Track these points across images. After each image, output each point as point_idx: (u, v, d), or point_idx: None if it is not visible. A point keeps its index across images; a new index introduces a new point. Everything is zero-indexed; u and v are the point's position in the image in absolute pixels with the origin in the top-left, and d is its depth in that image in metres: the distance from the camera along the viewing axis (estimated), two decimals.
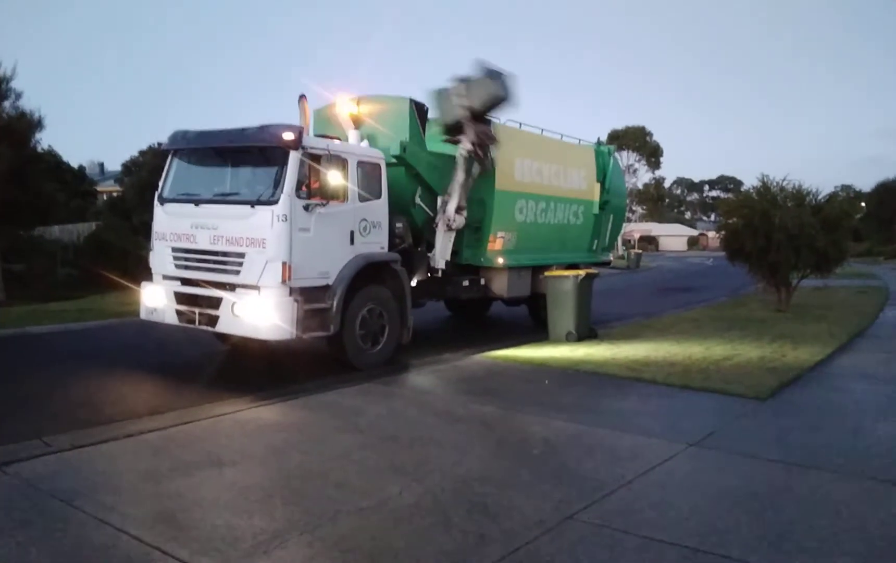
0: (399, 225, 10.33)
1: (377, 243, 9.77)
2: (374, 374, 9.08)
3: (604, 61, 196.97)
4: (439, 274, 11.31)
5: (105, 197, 41.21)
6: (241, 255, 8.69)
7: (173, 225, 9.43)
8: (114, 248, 20.19)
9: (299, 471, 5.52)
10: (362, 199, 9.52)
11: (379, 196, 9.81)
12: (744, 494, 5.28)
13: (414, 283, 10.74)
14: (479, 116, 10.86)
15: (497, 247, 12.22)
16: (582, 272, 12.77)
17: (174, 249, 9.39)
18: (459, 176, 10.92)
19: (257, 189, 8.89)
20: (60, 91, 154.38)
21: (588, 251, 15.02)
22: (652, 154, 70.72)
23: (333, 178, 9.00)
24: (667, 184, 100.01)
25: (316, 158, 8.85)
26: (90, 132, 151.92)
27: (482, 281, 12.43)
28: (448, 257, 11.32)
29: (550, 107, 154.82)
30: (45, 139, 22.60)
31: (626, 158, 67.47)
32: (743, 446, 6.41)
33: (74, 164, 35.81)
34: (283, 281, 8.44)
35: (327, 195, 8.92)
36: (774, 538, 4.46)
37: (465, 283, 12.11)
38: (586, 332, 12.27)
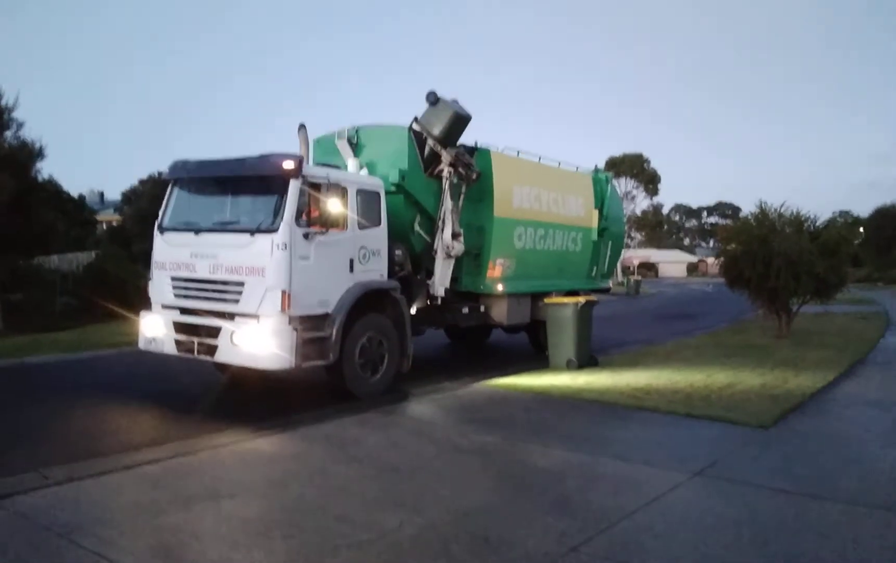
0: (398, 252, 10.29)
1: (377, 271, 9.73)
2: (374, 403, 9.02)
3: (602, 89, 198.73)
4: (439, 302, 11.28)
5: (105, 226, 41.29)
6: (241, 283, 8.65)
7: (173, 254, 9.41)
8: (113, 277, 20.16)
9: (298, 503, 5.46)
10: (361, 227, 9.50)
11: (378, 224, 9.79)
12: (748, 524, 5.22)
13: (413, 310, 10.70)
14: (446, 141, 10.98)
15: (496, 274, 12.21)
16: (582, 299, 12.76)
17: (173, 278, 9.36)
18: (447, 202, 10.99)
19: (257, 218, 8.88)
20: (61, 120, 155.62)
21: (587, 278, 14.99)
22: (650, 181, 70.85)
23: (333, 206, 8.99)
24: (665, 210, 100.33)
25: (316, 187, 8.85)
26: (90, 161, 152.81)
27: (482, 308, 12.38)
28: (447, 285, 11.31)
29: (547, 135, 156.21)
30: (46, 168, 22.66)
31: (624, 184, 67.52)
32: (747, 476, 6.36)
33: (74, 193, 35.86)
34: (283, 310, 8.39)
35: (327, 223, 8.89)
36: None
37: (465, 310, 12.07)
38: (587, 359, 12.23)
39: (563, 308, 11.97)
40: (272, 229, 8.50)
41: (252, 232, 8.67)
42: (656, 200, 79.27)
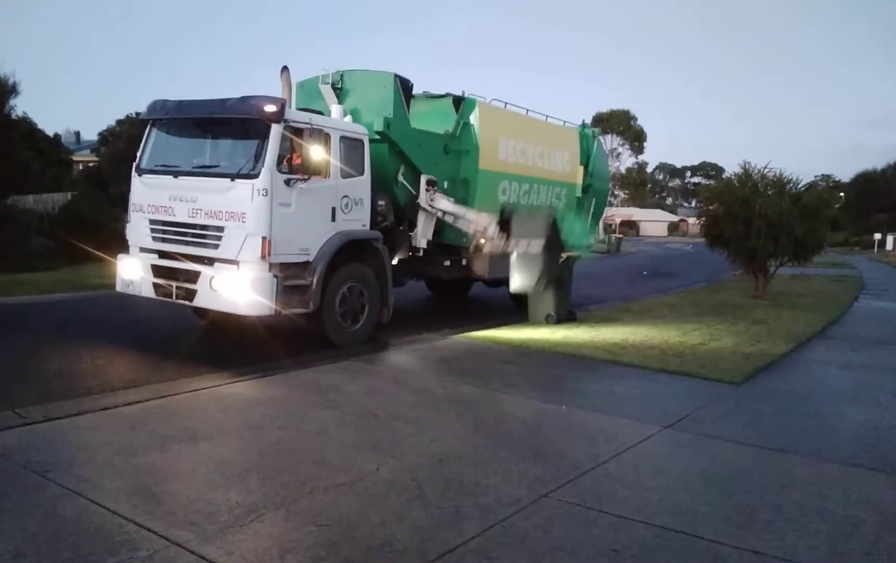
0: (381, 203, 10.20)
1: (359, 221, 9.67)
2: (353, 352, 9.06)
3: (591, 43, 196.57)
4: (421, 254, 11.26)
5: (81, 167, 40.56)
6: (220, 229, 8.56)
7: (151, 197, 9.25)
8: (89, 219, 19.89)
9: (276, 447, 5.51)
10: (345, 175, 9.39)
11: (362, 173, 9.69)
12: (716, 475, 5.38)
13: (395, 261, 10.66)
14: None
15: None
16: (564, 254, 12.84)
17: (151, 222, 9.23)
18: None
19: (238, 162, 8.75)
20: (36, 57, 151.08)
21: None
22: (636, 138, 70.85)
23: (316, 152, 8.85)
24: (649, 169, 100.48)
25: (298, 132, 8.71)
26: (66, 100, 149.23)
27: (464, 262, 12.40)
28: (430, 237, 11.27)
29: (535, 86, 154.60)
30: (20, 106, 22.05)
31: (610, 141, 67.48)
32: (716, 430, 6.51)
33: (50, 132, 35.09)
34: (263, 256, 8.34)
35: (309, 170, 8.76)
36: (744, 519, 4.54)
37: (447, 263, 12.07)
38: (566, 315, 12.34)
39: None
40: (253, 175, 8.39)
41: (232, 177, 8.54)
42: (641, 158, 79.43)
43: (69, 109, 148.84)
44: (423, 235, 11.09)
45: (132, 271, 9.37)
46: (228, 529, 4.05)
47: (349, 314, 9.57)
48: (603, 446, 5.86)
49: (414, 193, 10.91)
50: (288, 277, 8.61)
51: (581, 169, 14.68)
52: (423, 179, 10.82)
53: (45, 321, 11.13)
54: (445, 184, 11.31)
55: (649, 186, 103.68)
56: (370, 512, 4.37)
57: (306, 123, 8.87)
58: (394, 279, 10.41)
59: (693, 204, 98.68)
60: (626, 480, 5.15)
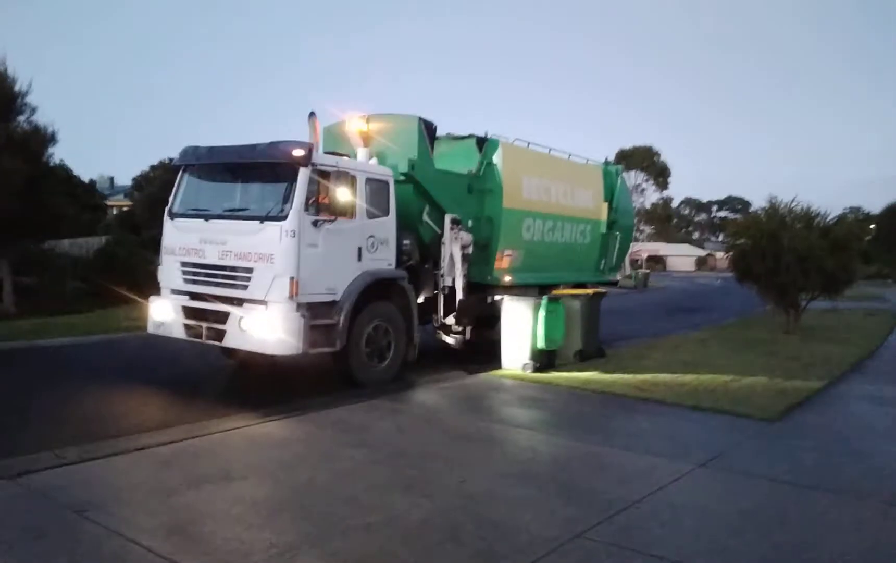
0: (406, 242, 10.33)
1: (385, 260, 9.77)
2: (382, 391, 9.09)
3: (614, 79, 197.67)
4: (446, 292, 11.21)
5: (115, 211, 41.48)
6: (250, 270, 8.71)
7: (182, 239, 9.48)
8: (123, 262, 20.28)
9: (308, 486, 5.54)
10: (370, 215, 9.52)
11: (387, 213, 9.81)
12: (752, 514, 5.28)
13: (421, 300, 10.72)
14: None
15: (504, 265, 12.15)
16: (590, 291, 12.80)
17: (183, 264, 9.43)
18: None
19: (267, 205, 8.93)
20: (73, 105, 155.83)
21: (595, 270, 14.86)
22: (660, 174, 70.73)
23: (342, 194, 9.03)
24: (675, 204, 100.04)
25: (325, 175, 8.90)
26: (101, 146, 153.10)
27: (489, 299, 12.27)
28: (456, 276, 11.15)
29: (558, 126, 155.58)
30: (58, 153, 22.75)
31: (633, 177, 67.46)
32: (751, 467, 6.41)
33: (85, 178, 36.00)
34: (291, 296, 8.45)
35: (336, 211, 8.93)
36: (782, 557, 4.45)
37: (473, 300, 11.86)
38: (594, 351, 12.26)
39: (572, 300, 11.97)
40: (281, 217, 8.57)
41: (261, 219, 8.72)
42: (666, 193, 79.14)
43: (105, 155, 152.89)
44: (448, 273, 11.08)
45: (163, 313, 9.53)
46: None
47: (375, 353, 9.63)
48: (636, 486, 5.79)
49: (439, 231, 10.98)
50: (315, 316, 8.68)
51: (605, 206, 14.66)
52: (448, 218, 10.89)
53: (81, 363, 11.33)
54: (470, 223, 11.36)
55: (675, 220, 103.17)
56: (403, 552, 4.37)
57: (333, 166, 9.04)
58: (420, 317, 10.47)
59: (720, 238, 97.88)
60: (661, 519, 5.09)
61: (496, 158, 11.82)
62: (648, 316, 23.13)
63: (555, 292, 12.40)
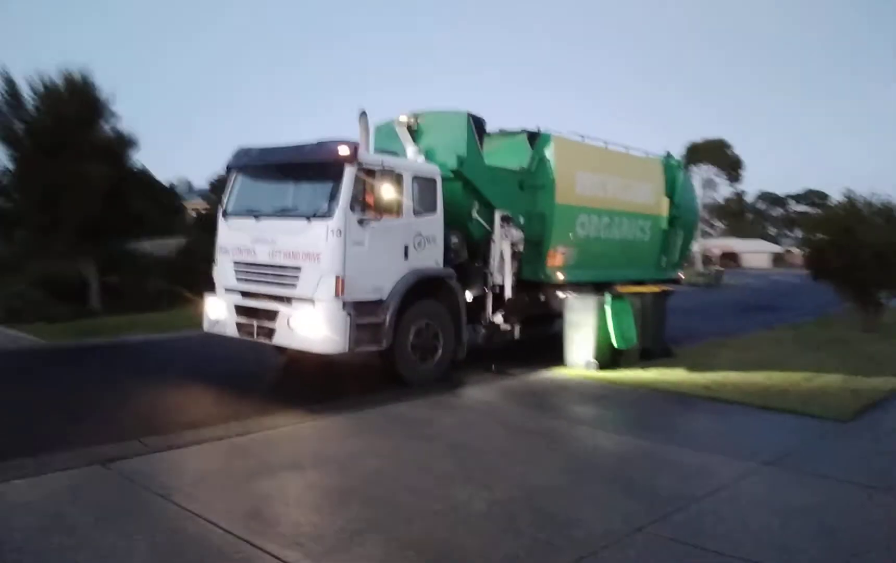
0: (455, 240, 10.30)
1: (432, 258, 9.76)
2: (442, 387, 9.23)
3: (684, 73, 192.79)
4: (498, 290, 11.03)
5: (193, 213, 43.13)
6: (298, 268, 8.84)
7: (235, 239, 9.71)
8: (200, 262, 21.15)
9: (375, 476, 5.78)
10: (417, 213, 9.55)
11: (434, 211, 9.82)
12: (817, 513, 5.22)
13: (470, 298, 10.66)
14: None
15: (557, 262, 11.87)
16: (657, 289, 12.65)
17: (235, 263, 9.65)
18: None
19: (314, 204, 9.05)
20: (152, 108, 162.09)
21: (656, 268, 14.30)
22: (732, 167, 68.57)
23: (388, 192, 9.08)
24: (750, 199, 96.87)
25: (371, 173, 8.96)
26: (178, 150, 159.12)
27: (541, 297, 12.12)
28: (507, 273, 10.97)
29: (628, 119, 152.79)
30: (139, 158, 23.85)
31: (704, 171, 65.72)
32: (820, 468, 6.29)
33: (164, 181, 37.58)
34: (337, 295, 8.53)
35: (382, 210, 9.00)
36: (843, 558, 4.40)
37: (525, 298, 11.73)
38: (661, 350, 12.13)
39: (638, 298, 11.81)
40: (327, 215, 8.66)
41: (308, 218, 8.84)
42: (739, 187, 76.69)
43: (181, 158, 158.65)
44: (498, 271, 10.93)
45: (218, 311, 9.79)
46: (333, 551, 4.33)
47: (422, 352, 9.63)
48: (698, 483, 5.79)
49: (489, 229, 10.87)
50: (361, 314, 8.73)
51: (666, 201, 14.12)
52: (498, 214, 10.79)
53: (161, 358, 11.96)
54: (521, 219, 11.20)
55: (750, 216, 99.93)
56: (465, 540, 4.54)
57: (378, 165, 9.10)
58: (470, 316, 10.44)
59: (797, 234, 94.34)
60: (723, 516, 5.09)
61: (548, 153, 11.61)
62: (720, 314, 22.59)
63: (620, 289, 12.32)
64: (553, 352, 11.33)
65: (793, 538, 4.72)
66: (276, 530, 4.60)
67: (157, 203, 30.46)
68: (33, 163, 17.33)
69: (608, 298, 10.96)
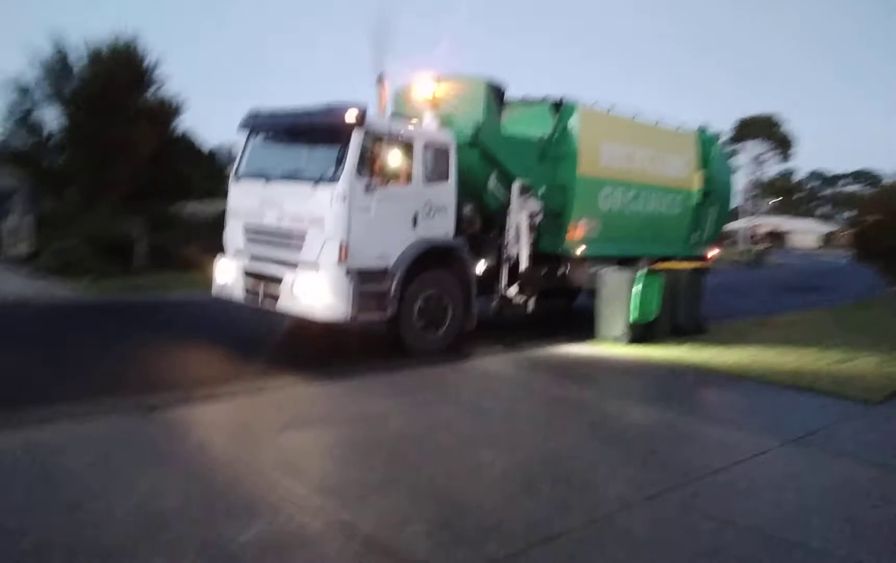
0: (467, 209, 10.06)
1: (442, 228, 9.57)
2: (464, 356, 9.33)
3: (735, 42, 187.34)
4: (513, 262, 10.67)
5: None
6: (303, 233, 8.72)
7: (245, 202, 9.62)
8: None
9: (400, 434, 6.01)
10: (428, 181, 9.34)
11: (446, 179, 9.58)
12: (835, 491, 5.29)
13: (482, 269, 10.41)
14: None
15: (578, 235, 11.61)
16: (693, 265, 12.56)
17: (245, 226, 9.58)
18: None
19: (320, 168, 8.87)
20: (196, 74, 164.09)
21: (685, 244, 13.94)
22: (782, 144, 66.73)
23: (397, 159, 8.90)
24: (800, 177, 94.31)
25: (379, 139, 8.76)
26: (221, 116, 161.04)
27: (561, 271, 11.84)
28: (524, 245, 10.60)
29: (676, 93, 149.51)
30: (184, 123, 24.46)
31: (753, 148, 64.16)
32: (843, 447, 6.32)
33: (206, 146, 38.20)
34: (340, 260, 8.39)
35: (390, 176, 8.82)
36: (860, 535, 4.48)
37: (544, 271, 11.40)
38: (695, 326, 12.08)
39: (673, 274, 11.71)
40: (333, 180, 8.50)
41: (315, 182, 8.70)
42: (789, 165, 74.72)
43: (224, 124, 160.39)
44: (514, 242, 10.60)
45: (226, 274, 9.74)
46: (359, 498, 4.59)
47: (430, 322, 9.46)
48: (717, 456, 5.89)
49: (506, 199, 10.58)
50: (365, 282, 8.60)
51: (699, 175, 13.69)
52: (516, 185, 10.48)
53: (200, 315, 12.30)
54: (542, 190, 10.89)
55: (800, 194, 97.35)
56: (483, 498, 4.74)
57: (387, 131, 8.92)
58: (482, 288, 10.28)
59: (848, 214, 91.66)
60: (738, 489, 5.19)
61: (572, 123, 11.30)
62: (761, 294, 22.27)
63: (656, 265, 12.27)
64: (579, 326, 11.37)
65: (807, 513, 4.80)
66: (306, 478, 4.88)
67: (202, 167, 31.17)
68: (82, 125, 17.92)
69: (640, 273, 10.93)
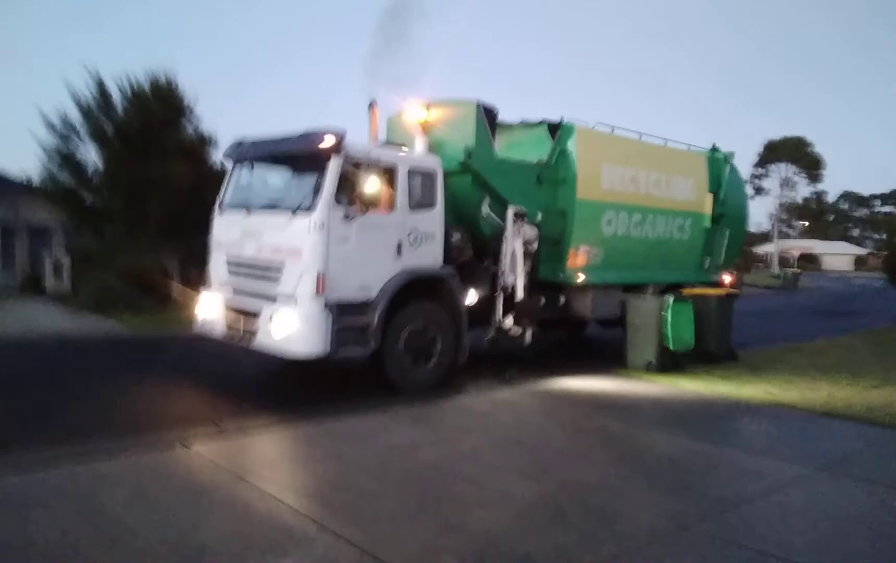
0: (457, 236, 9.72)
1: (430, 256, 9.23)
2: (503, 386, 9.39)
3: (763, 68, 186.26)
4: (510, 291, 10.30)
5: None
6: (281, 265, 8.43)
7: (227, 233, 9.37)
8: None
9: (431, 465, 6.08)
10: (413, 208, 9.04)
11: (433, 206, 9.27)
12: (869, 519, 5.23)
13: (475, 299, 10.07)
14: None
15: (579, 262, 11.29)
16: (722, 291, 12.50)
17: (227, 258, 9.34)
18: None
19: (298, 197, 8.59)
20: (229, 104, 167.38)
21: (698, 269, 13.58)
22: (812, 166, 66.13)
23: (378, 186, 8.59)
24: (831, 198, 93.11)
25: (359, 165, 8.45)
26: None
27: (561, 299, 11.40)
28: (520, 274, 10.29)
29: (698, 116, 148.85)
30: (217, 157, 25.08)
31: (783, 170, 63.70)
32: (877, 475, 6.24)
33: None
34: (317, 293, 8.06)
35: (371, 204, 8.48)
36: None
37: (542, 301, 11.01)
38: (725, 353, 12.00)
39: (701, 300, 11.64)
40: (310, 209, 8.21)
41: (293, 211, 8.41)
42: (819, 186, 73.85)
43: None
44: (509, 270, 10.20)
45: (208, 309, 9.43)
46: (392, 530, 4.66)
47: (417, 356, 9.09)
48: (750, 485, 5.86)
49: (500, 225, 10.21)
50: (346, 315, 8.27)
51: (710, 197, 13.34)
52: (511, 210, 10.15)
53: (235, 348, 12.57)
54: (539, 216, 10.63)
55: (831, 216, 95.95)
56: (514, 528, 4.79)
57: (367, 156, 8.61)
58: (479, 318, 10.02)
59: (883, 235, 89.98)
60: (771, 518, 5.17)
61: (570, 145, 11.00)
62: (794, 318, 22.04)
63: (684, 291, 12.21)
64: (595, 356, 11.26)
65: (842, 542, 4.77)
66: (338, 511, 4.96)
67: None
68: (122, 162, 18.45)
69: (670, 300, 10.92)
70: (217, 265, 9.57)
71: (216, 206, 9.79)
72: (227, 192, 9.81)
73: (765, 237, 65.73)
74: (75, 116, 19.34)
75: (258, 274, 8.79)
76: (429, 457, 6.30)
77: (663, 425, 7.87)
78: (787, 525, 5.04)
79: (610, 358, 11.51)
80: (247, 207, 9.23)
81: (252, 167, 9.75)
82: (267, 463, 6.07)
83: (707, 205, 13.31)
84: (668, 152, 12.94)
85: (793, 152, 64.13)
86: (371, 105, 10.12)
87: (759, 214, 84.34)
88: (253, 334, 8.55)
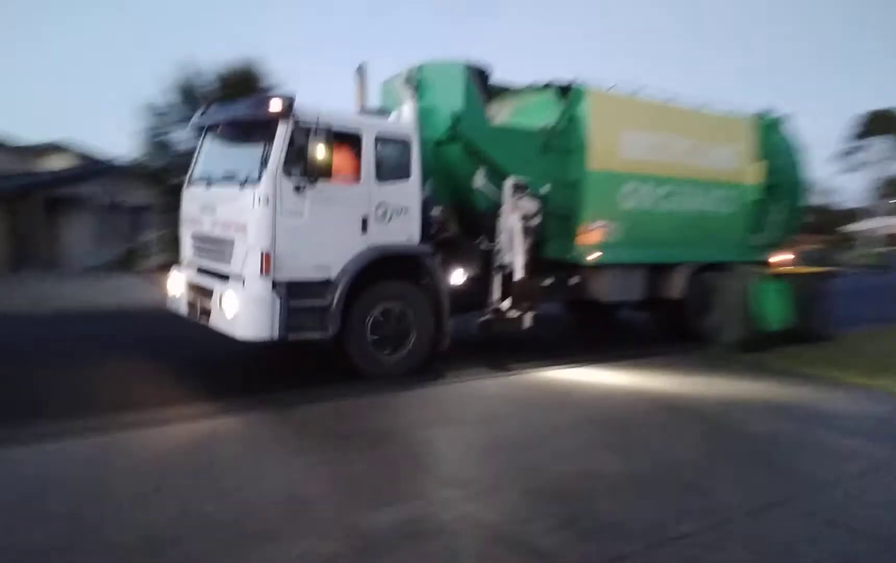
0: (437, 210, 9.00)
1: (404, 233, 8.37)
2: (595, 358, 9.38)
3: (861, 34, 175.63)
4: (509, 272, 9.39)
5: None
6: (232, 241, 7.77)
7: (191, 209, 8.82)
8: None
9: (519, 436, 6.24)
10: (381, 179, 8.16)
11: (407, 177, 8.39)
12: None
13: (462, 280, 9.29)
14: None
15: (593, 240, 10.19)
16: (817, 270, 12.09)
17: (192, 235, 8.80)
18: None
19: (248, 168, 7.78)
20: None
21: (740, 247, 12.14)
22: None
23: (338, 155, 7.72)
24: None
25: (314, 132, 7.44)
26: None
27: (571, 280, 10.32)
28: (521, 252, 9.31)
29: (796, 86, 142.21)
30: None
31: (879, 145, 59.99)
32: None
33: None
34: (263, 272, 7.39)
35: (328, 175, 7.54)
36: None
37: (548, 281, 9.99)
38: (818, 334, 11.58)
39: (793, 279, 11.23)
40: (256, 181, 7.52)
41: (242, 184, 7.71)
42: None
43: None
44: (507, 248, 9.31)
45: (175, 287, 8.98)
46: (485, 493, 4.87)
47: (386, 341, 8.27)
48: (842, 465, 5.76)
49: (497, 199, 9.32)
50: (299, 296, 7.57)
51: (757, 166, 11.96)
52: (509, 182, 9.21)
53: None
54: (546, 188, 9.58)
55: None
56: (603, 499, 4.89)
57: (322, 122, 7.53)
58: (476, 300, 9.33)
59: None
60: (863, 497, 5.09)
61: (581, 110, 9.91)
62: (885, 299, 20.95)
63: (777, 269, 11.83)
64: (595, 345, 10.91)
65: None
66: (435, 473, 5.22)
67: None
68: None
69: (758, 278, 10.65)
70: (184, 242, 9.06)
71: (186, 179, 9.14)
72: (196, 165, 9.05)
73: (850, 215, 62.22)
74: (167, 101, 20.33)
75: (214, 251, 8.23)
76: (514, 429, 6.44)
77: (752, 404, 7.74)
78: (879, 504, 4.98)
79: (676, 342, 11.20)
80: (208, 180, 8.56)
81: (214, 137, 8.96)
82: (351, 433, 6.31)
83: (753, 175, 11.99)
84: (705, 117, 11.62)
85: (887, 125, 60.38)
86: (360, 70, 9.31)
87: (851, 190, 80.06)
88: (208, 313, 8.00)
